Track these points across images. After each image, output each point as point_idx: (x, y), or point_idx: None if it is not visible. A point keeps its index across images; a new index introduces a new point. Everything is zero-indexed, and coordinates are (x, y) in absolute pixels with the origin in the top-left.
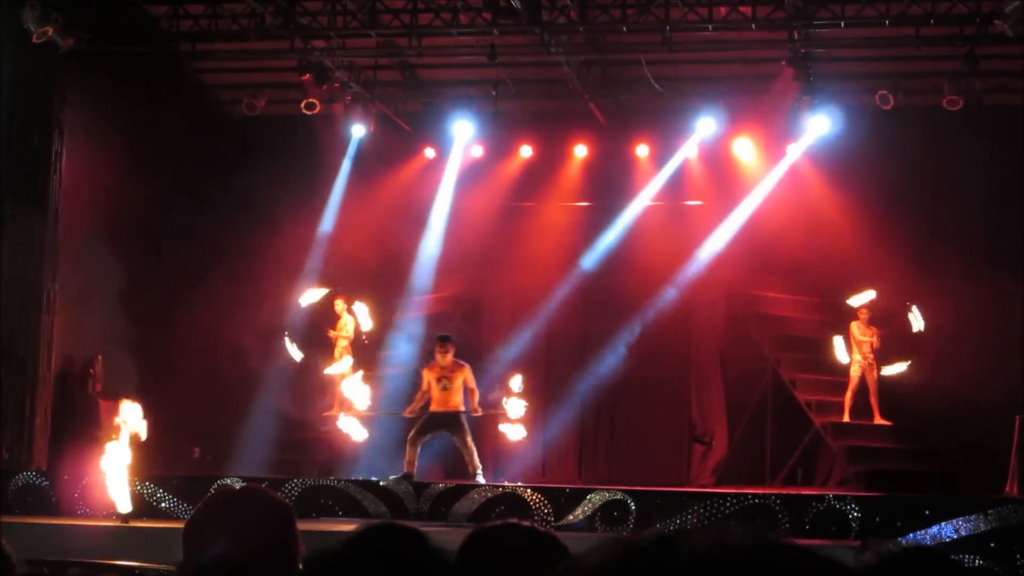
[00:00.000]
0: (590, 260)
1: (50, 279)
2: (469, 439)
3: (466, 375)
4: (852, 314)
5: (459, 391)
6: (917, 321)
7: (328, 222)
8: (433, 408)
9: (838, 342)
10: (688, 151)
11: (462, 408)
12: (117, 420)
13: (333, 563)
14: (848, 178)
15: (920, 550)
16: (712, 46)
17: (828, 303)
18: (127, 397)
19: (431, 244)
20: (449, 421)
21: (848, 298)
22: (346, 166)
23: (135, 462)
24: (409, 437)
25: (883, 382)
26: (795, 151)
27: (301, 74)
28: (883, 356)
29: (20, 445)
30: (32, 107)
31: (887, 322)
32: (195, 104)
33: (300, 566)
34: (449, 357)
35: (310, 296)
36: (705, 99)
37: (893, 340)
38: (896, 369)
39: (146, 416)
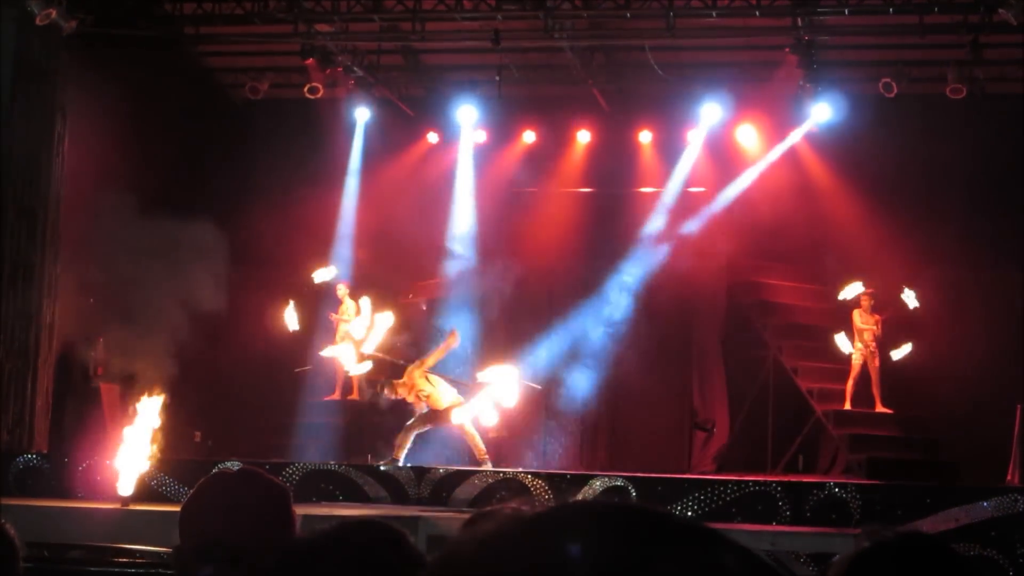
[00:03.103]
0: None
1: (52, 261)
2: (469, 426)
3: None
4: (854, 302)
5: (439, 392)
6: (911, 301)
7: (332, 206)
8: (432, 404)
9: (840, 339)
10: (691, 139)
11: (459, 401)
12: (137, 409)
13: (307, 558)
14: (851, 165)
15: (915, 537)
16: (716, 32)
17: (830, 291)
18: (146, 389)
19: (434, 229)
20: (448, 415)
21: (841, 291)
22: (352, 150)
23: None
24: (408, 424)
25: (885, 370)
26: (798, 138)
27: (304, 58)
28: (886, 341)
29: (21, 427)
30: (35, 89)
31: (885, 307)
32: (198, 87)
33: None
34: (404, 385)
35: (291, 318)
36: (708, 85)
37: (894, 324)
38: (902, 352)
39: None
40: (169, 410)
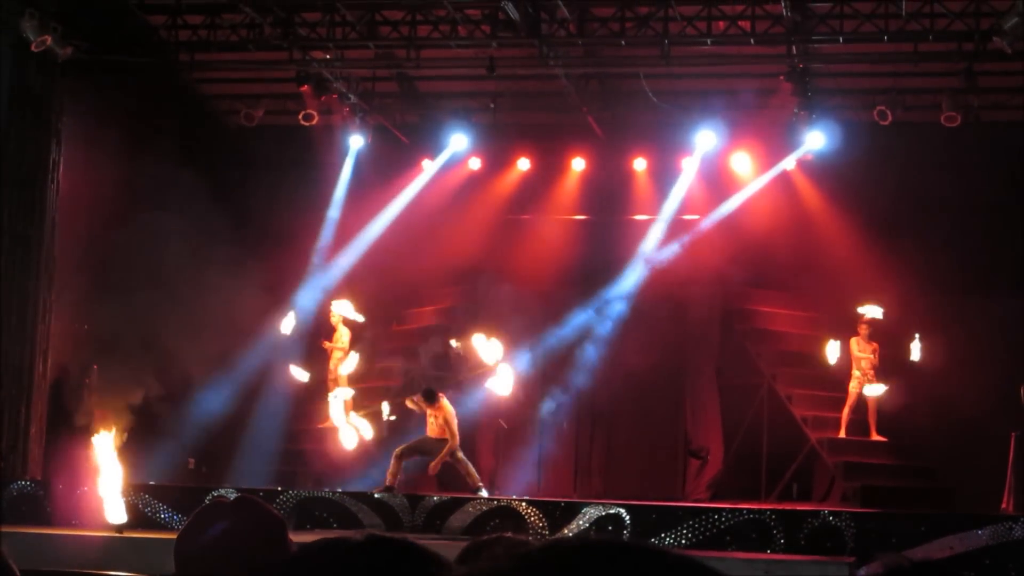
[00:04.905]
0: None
1: (46, 288)
2: (461, 454)
3: (447, 417)
4: (852, 330)
5: (448, 425)
6: (915, 352)
7: (327, 234)
8: (427, 432)
9: (832, 347)
10: (686, 166)
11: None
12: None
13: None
14: (846, 193)
15: (930, 566)
16: (710, 60)
17: (825, 318)
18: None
19: (428, 256)
20: (439, 445)
21: (856, 308)
22: (345, 177)
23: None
24: (396, 451)
25: (880, 399)
26: (792, 165)
27: (299, 85)
28: (897, 355)
29: (15, 454)
30: (30, 116)
31: (890, 342)
32: (193, 114)
33: None
34: (434, 406)
35: (288, 323)
36: (703, 113)
37: (887, 360)
38: (876, 390)
39: (139, 426)
40: (150, 431)
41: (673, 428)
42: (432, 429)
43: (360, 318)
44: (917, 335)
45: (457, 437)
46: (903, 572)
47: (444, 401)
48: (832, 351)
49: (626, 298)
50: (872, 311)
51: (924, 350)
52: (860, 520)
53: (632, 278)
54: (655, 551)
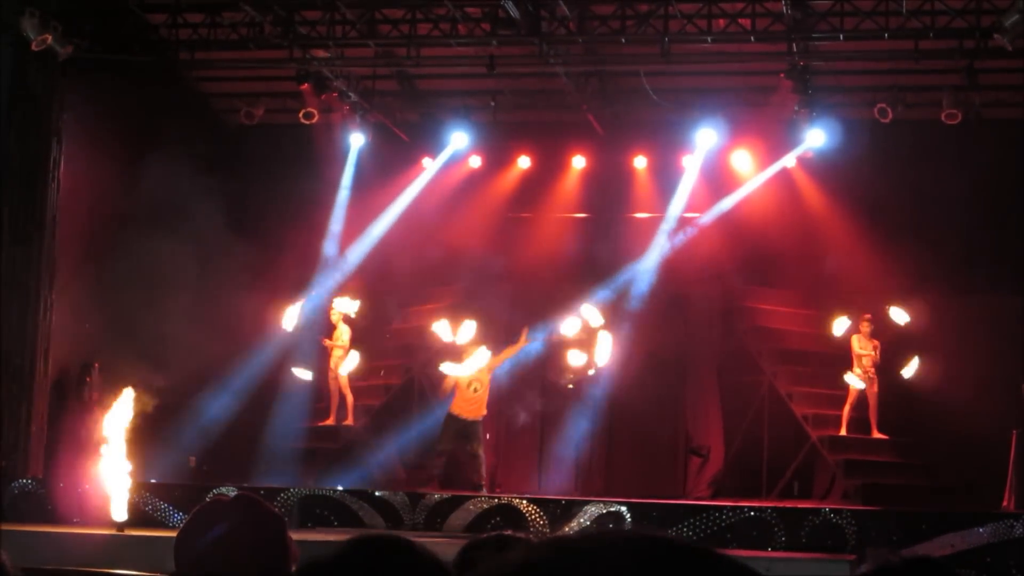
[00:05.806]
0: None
1: (47, 286)
2: (481, 451)
3: (493, 363)
4: (853, 327)
5: (486, 395)
6: (901, 317)
7: (327, 232)
8: (459, 412)
9: (850, 377)
10: (687, 164)
11: (484, 413)
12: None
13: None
14: (846, 191)
15: (921, 562)
16: (711, 58)
17: (826, 316)
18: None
19: (428, 254)
20: (471, 431)
21: (832, 326)
22: (348, 177)
23: (133, 467)
24: (438, 448)
25: (880, 396)
26: (793, 163)
27: (299, 83)
28: (890, 363)
29: (16, 452)
30: (30, 115)
31: (883, 331)
32: (193, 113)
33: None
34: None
35: (291, 320)
36: (703, 111)
37: (893, 346)
38: (911, 369)
39: (141, 424)
40: (152, 429)
41: (674, 426)
42: (465, 406)
43: (355, 305)
44: (887, 307)
45: None
46: (892, 569)
47: None
48: (853, 382)
49: (629, 294)
50: (841, 324)
51: (924, 331)
52: (861, 518)
53: (638, 272)
54: (693, 548)
